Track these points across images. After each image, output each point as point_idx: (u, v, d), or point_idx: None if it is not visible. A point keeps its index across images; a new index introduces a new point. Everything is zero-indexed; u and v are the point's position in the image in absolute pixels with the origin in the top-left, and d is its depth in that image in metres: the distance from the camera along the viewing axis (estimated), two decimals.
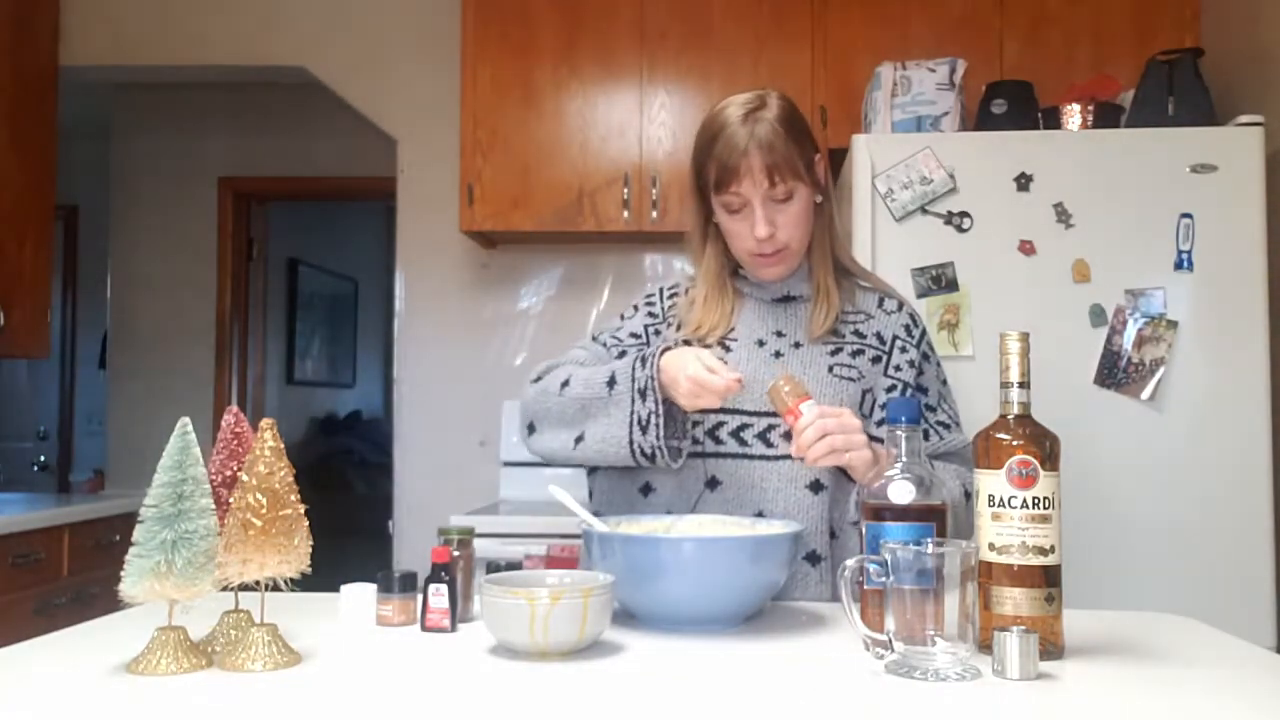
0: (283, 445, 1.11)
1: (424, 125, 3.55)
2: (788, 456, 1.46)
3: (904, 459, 1.22)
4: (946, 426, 1.59)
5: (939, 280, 2.53)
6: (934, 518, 1.20)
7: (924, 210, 2.54)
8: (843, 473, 1.49)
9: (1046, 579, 1.13)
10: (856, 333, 1.59)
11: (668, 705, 1.00)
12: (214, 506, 1.11)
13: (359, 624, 1.31)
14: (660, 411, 1.44)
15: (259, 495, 1.08)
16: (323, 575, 1.28)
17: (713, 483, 1.52)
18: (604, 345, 1.64)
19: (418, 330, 3.58)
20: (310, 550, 1.11)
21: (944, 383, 1.64)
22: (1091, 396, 2.47)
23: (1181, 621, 1.38)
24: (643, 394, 1.45)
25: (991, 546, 1.15)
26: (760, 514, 1.49)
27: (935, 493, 1.21)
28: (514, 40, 3.20)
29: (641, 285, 3.51)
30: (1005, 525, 1.14)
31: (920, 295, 2.52)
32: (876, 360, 1.57)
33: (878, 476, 1.24)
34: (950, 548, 1.08)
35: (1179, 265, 2.48)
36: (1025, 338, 1.18)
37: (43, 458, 5.79)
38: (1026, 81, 2.75)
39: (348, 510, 4.98)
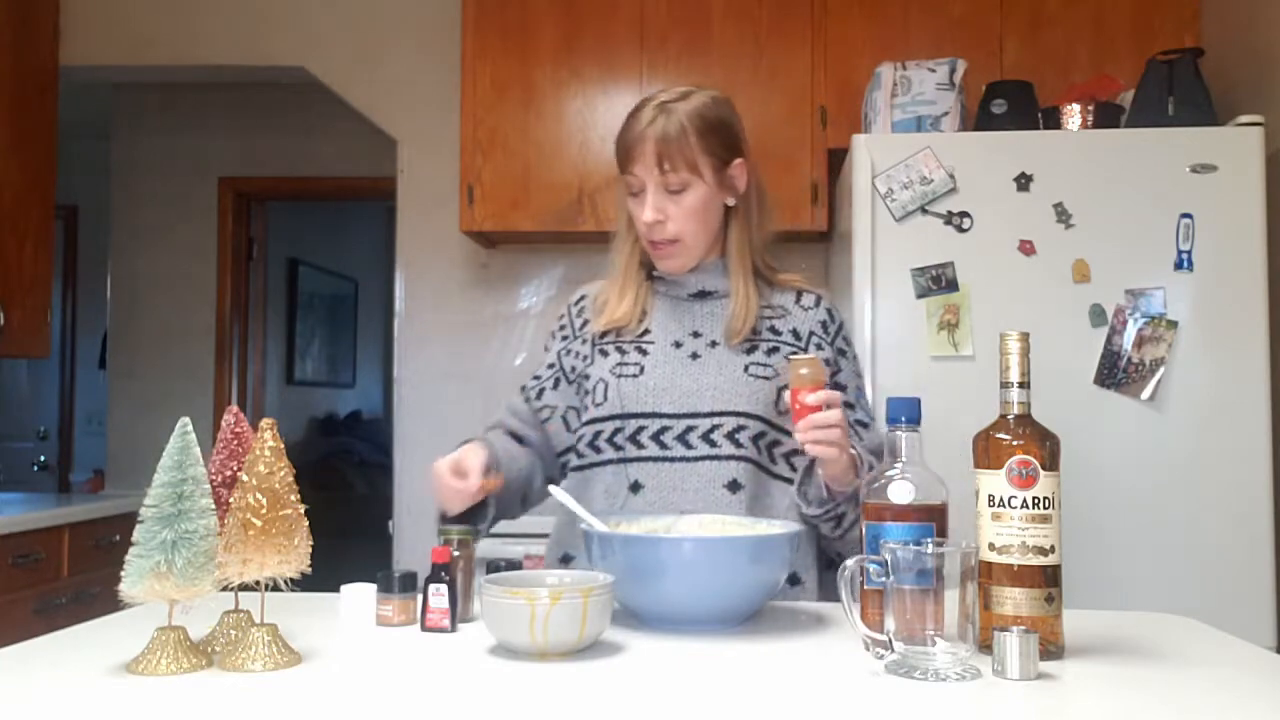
0: (283, 445, 1.11)
1: (424, 125, 3.55)
2: (707, 457, 1.51)
3: (904, 459, 1.22)
4: (865, 425, 1.61)
5: (939, 280, 2.53)
6: (934, 518, 1.20)
7: (924, 210, 2.54)
8: (763, 471, 1.54)
9: (1046, 579, 1.13)
10: (773, 329, 1.61)
11: (668, 705, 1.00)
12: (214, 506, 1.11)
13: (359, 624, 1.31)
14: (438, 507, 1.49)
15: (259, 495, 1.08)
16: (323, 575, 1.28)
17: (635, 486, 1.54)
18: (523, 389, 1.70)
19: (418, 330, 3.58)
20: (310, 550, 1.11)
21: (859, 376, 1.67)
22: (1091, 396, 2.48)
23: (1181, 621, 1.38)
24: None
25: (991, 546, 1.15)
26: (682, 514, 1.50)
27: (935, 492, 1.21)
28: (514, 40, 3.20)
29: None
30: (1005, 525, 1.14)
31: (920, 295, 2.52)
32: (823, 367, 1.56)
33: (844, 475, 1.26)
34: (950, 548, 1.08)
35: (1179, 265, 2.49)
36: (1025, 338, 1.18)
37: (43, 458, 5.79)
38: (1026, 81, 2.75)
39: (348, 510, 4.98)
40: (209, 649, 1.13)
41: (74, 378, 5.83)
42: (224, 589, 1.11)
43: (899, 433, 1.23)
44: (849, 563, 1.13)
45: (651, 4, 3.18)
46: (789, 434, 1.48)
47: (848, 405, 1.56)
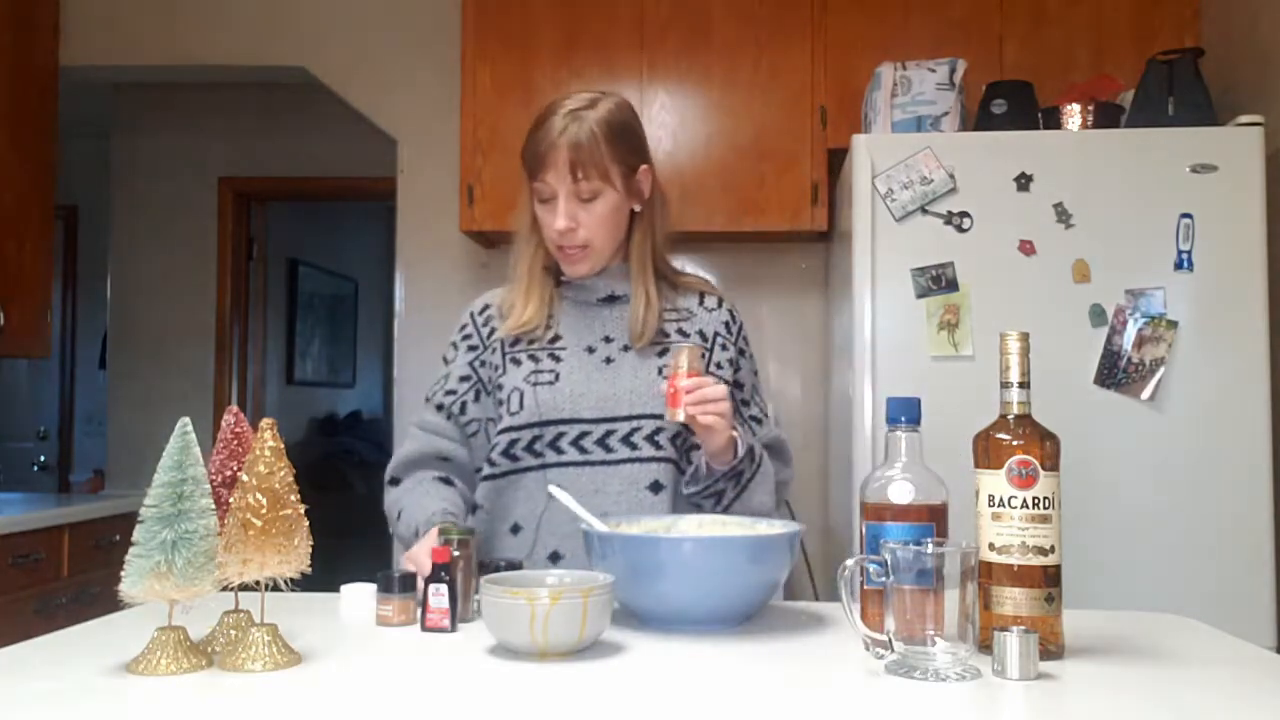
0: (283, 445, 1.11)
1: (424, 125, 3.55)
2: (628, 460, 1.54)
3: (904, 459, 1.22)
4: (759, 421, 1.68)
5: (939, 280, 2.53)
6: (934, 518, 1.20)
7: (924, 210, 2.54)
8: (680, 472, 1.57)
9: (1046, 579, 1.13)
10: (680, 331, 1.65)
11: (668, 705, 1.00)
12: (214, 506, 1.11)
13: (359, 624, 1.31)
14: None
15: (259, 495, 1.08)
16: (323, 575, 1.29)
17: None
18: (439, 408, 1.67)
19: (418, 330, 3.58)
20: (310, 550, 1.11)
21: (755, 374, 1.72)
22: (1091, 396, 2.47)
23: (1181, 621, 1.38)
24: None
25: (991, 546, 1.15)
26: (603, 515, 1.50)
27: (935, 492, 1.21)
28: (514, 40, 3.20)
29: None
30: (1005, 525, 1.14)
31: (920, 295, 2.52)
32: (700, 357, 1.60)
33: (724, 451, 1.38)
34: (950, 548, 1.08)
35: (1179, 265, 2.48)
36: (1025, 338, 1.18)
37: (43, 458, 5.79)
38: (1026, 81, 2.75)
39: (348, 510, 4.98)
40: (209, 649, 1.13)
41: (74, 378, 5.83)
42: (224, 589, 1.11)
43: (899, 433, 1.23)
44: (849, 563, 1.13)
45: (651, 4, 3.18)
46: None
47: (743, 403, 1.66)
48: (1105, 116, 2.64)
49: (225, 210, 4.46)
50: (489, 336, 1.67)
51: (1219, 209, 2.48)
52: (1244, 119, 2.51)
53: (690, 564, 1.26)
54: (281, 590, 1.11)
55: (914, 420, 1.23)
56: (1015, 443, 1.15)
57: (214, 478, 1.19)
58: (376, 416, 6.85)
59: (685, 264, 3.43)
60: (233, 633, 1.16)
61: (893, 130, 2.70)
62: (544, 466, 1.57)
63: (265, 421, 1.10)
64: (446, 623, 1.27)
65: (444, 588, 1.27)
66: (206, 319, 4.42)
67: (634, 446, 1.55)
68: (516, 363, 1.62)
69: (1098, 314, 2.49)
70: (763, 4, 3.15)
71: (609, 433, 1.56)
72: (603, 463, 1.55)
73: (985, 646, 1.09)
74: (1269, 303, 2.47)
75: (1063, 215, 2.51)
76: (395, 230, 3.62)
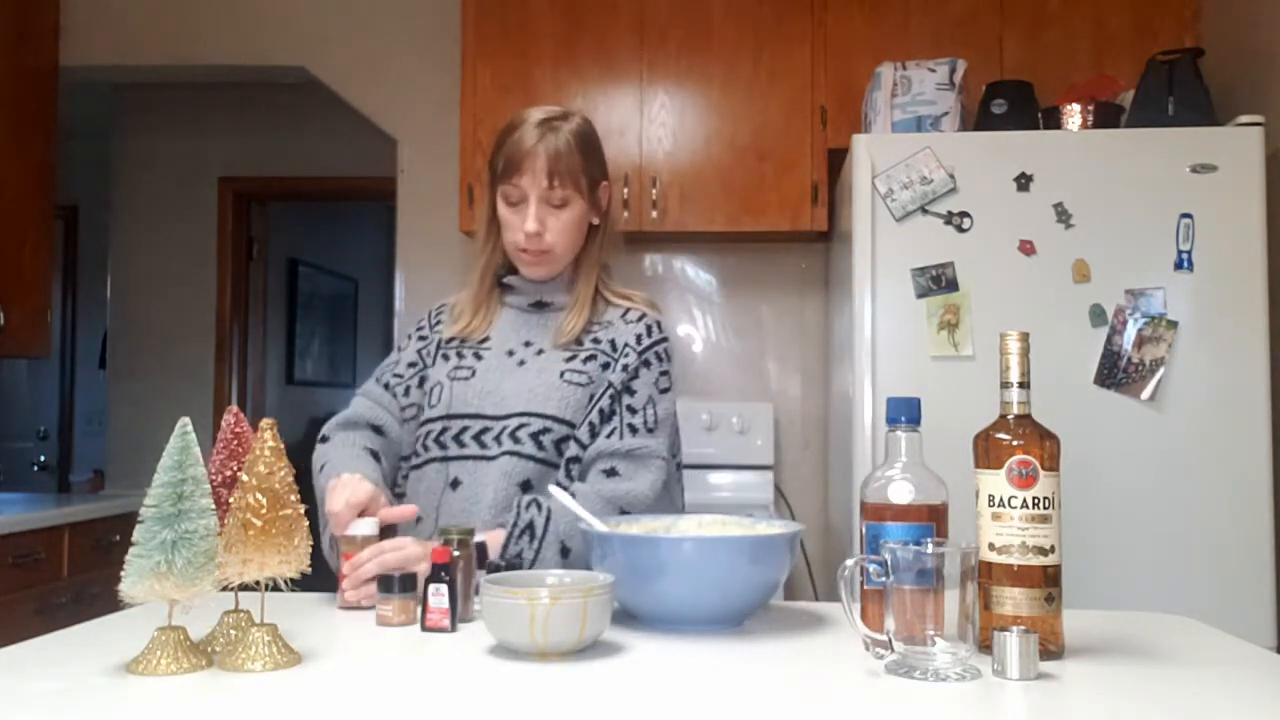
0: (283, 445, 1.11)
1: (424, 125, 3.55)
2: (508, 454, 1.57)
3: (904, 459, 1.22)
4: (634, 430, 1.60)
5: (939, 280, 2.53)
6: (934, 518, 1.20)
7: (924, 210, 2.54)
8: (550, 469, 1.59)
9: (1046, 579, 1.13)
10: (595, 340, 1.68)
11: (668, 705, 1.00)
12: (214, 506, 1.11)
13: (359, 624, 1.31)
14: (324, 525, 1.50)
15: (259, 495, 1.08)
16: (323, 575, 1.29)
17: (455, 483, 1.60)
18: (386, 387, 1.74)
19: None
20: (310, 550, 1.11)
21: (663, 393, 1.65)
22: (1091, 396, 2.47)
23: (1181, 621, 1.38)
24: (323, 500, 1.52)
25: (991, 546, 1.15)
26: (489, 508, 1.56)
27: (935, 492, 1.21)
28: (514, 40, 3.20)
29: (642, 285, 3.45)
30: (1005, 525, 1.14)
31: (920, 295, 2.52)
32: (605, 366, 1.65)
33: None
34: (950, 548, 1.08)
35: (1179, 265, 2.49)
36: (1025, 338, 1.18)
37: (43, 458, 5.79)
38: (1026, 81, 2.75)
39: None
40: (209, 649, 1.13)
41: (74, 378, 5.83)
42: (224, 589, 1.11)
43: (899, 433, 1.23)
44: (849, 563, 1.13)
45: (651, 4, 3.18)
46: (581, 443, 1.60)
47: (630, 409, 1.61)
48: (1105, 116, 2.64)
49: (225, 210, 4.46)
50: (435, 327, 1.77)
51: (1219, 209, 2.48)
52: (1244, 119, 2.51)
53: (690, 564, 1.26)
54: (281, 590, 1.11)
55: (914, 420, 1.23)
56: (1015, 443, 1.15)
57: (214, 478, 1.19)
58: None
59: (685, 264, 3.47)
60: (233, 633, 1.16)
61: (893, 130, 2.70)
62: (446, 459, 1.62)
63: (265, 421, 1.10)
64: (446, 623, 1.27)
65: (444, 588, 1.27)
66: (206, 319, 4.42)
67: (518, 441, 1.59)
68: (445, 358, 1.71)
69: (1098, 314, 2.49)
70: (763, 4, 3.15)
71: (503, 429, 1.60)
72: (490, 457, 1.59)
73: (985, 646, 1.09)
74: (1269, 303, 2.47)
75: (1063, 215, 2.51)
76: (395, 230, 3.62)
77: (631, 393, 1.63)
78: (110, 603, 1.20)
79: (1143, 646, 1.22)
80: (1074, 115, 2.65)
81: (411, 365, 1.74)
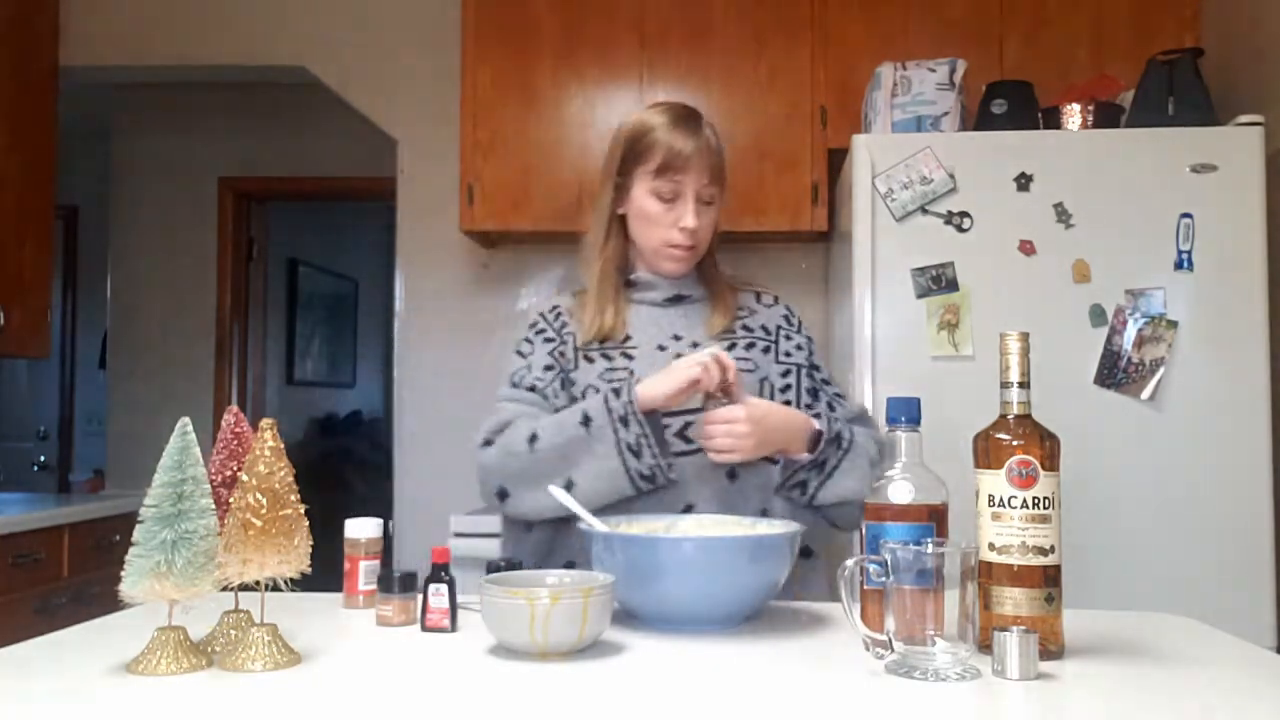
0: (283, 445, 1.11)
1: (424, 125, 3.55)
2: (702, 449, 1.55)
3: (904, 459, 1.22)
4: (842, 397, 1.72)
5: (939, 280, 2.53)
6: (934, 518, 1.20)
7: (924, 210, 2.54)
8: (768, 459, 1.58)
9: (1046, 579, 1.13)
10: (745, 327, 1.70)
11: (668, 705, 1.00)
12: (214, 506, 1.11)
13: (359, 624, 1.31)
14: (648, 432, 1.50)
15: (259, 495, 1.08)
16: (323, 575, 1.29)
17: None
18: (531, 389, 1.64)
19: (418, 330, 3.58)
20: (310, 550, 1.11)
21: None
22: (1091, 396, 2.47)
23: (1181, 621, 1.38)
24: (624, 421, 1.50)
25: (991, 546, 1.15)
26: (689, 506, 1.54)
27: (935, 492, 1.21)
28: (514, 40, 3.20)
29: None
30: (1005, 525, 1.14)
31: (920, 295, 2.52)
32: (766, 350, 1.69)
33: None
34: (950, 548, 1.08)
35: (1179, 265, 2.48)
36: (1025, 338, 1.18)
37: (43, 458, 5.78)
38: (1026, 81, 2.75)
39: (348, 510, 4.96)
40: (209, 649, 1.13)
41: (74, 378, 5.83)
42: (224, 589, 1.11)
43: (899, 433, 1.23)
44: (849, 563, 1.13)
45: (651, 4, 3.18)
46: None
47: (825, 382, 1.71)
48: (1105, 116, 2.64)
49: (225, 210, 4.45)
50: (562, 330, 1.70)
51: (1219, 209, 2.48)
52: (1244, 119, 2.51)
53: (690, 564, 1.26)
54: (281, 590, 1.11)
55: (914, 420, 1.23)
56: (1015, 443, 1.15)
57: (214, 478, 1.19)
58: (376, 416, 6.84)
59: None
60: (233, 633, 1.16)
61: (893, 130, 2.69)
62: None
63: (265, 421, 1.10)
64: (446, 623, 1.27)
65: (444, 588, 1.27)
66: (206, 319, 4.41)
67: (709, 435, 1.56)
68: (590, 360, 1.65)
69: (1098, 314, 2.49)
70: (763, 4, 3.15)
71: (687, 424, 1.57)
72: (683, 453, 1.56)
73: (985, 646, 1.09)
74: (1269, 303, 2.47)
75: (1063, 215, 2.51)
76: (395, 230, 3.62)
77: (817, 368, 1.72)
78: (110, 603, 1.20)
79: (1143, 646, 1.22)
80: (1074, 115, 2.65)
81: (548, 369, 1.66)
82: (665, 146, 1.62)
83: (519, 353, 1.70)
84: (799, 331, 1.74)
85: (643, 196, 1.65)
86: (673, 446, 1.56)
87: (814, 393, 1.68)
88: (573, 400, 1.62)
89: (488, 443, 1.58)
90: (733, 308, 1.71)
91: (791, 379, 1.68)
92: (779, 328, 1.73)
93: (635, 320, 1.68)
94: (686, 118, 1.65)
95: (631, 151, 1.65)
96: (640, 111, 1.71)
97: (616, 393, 1.52)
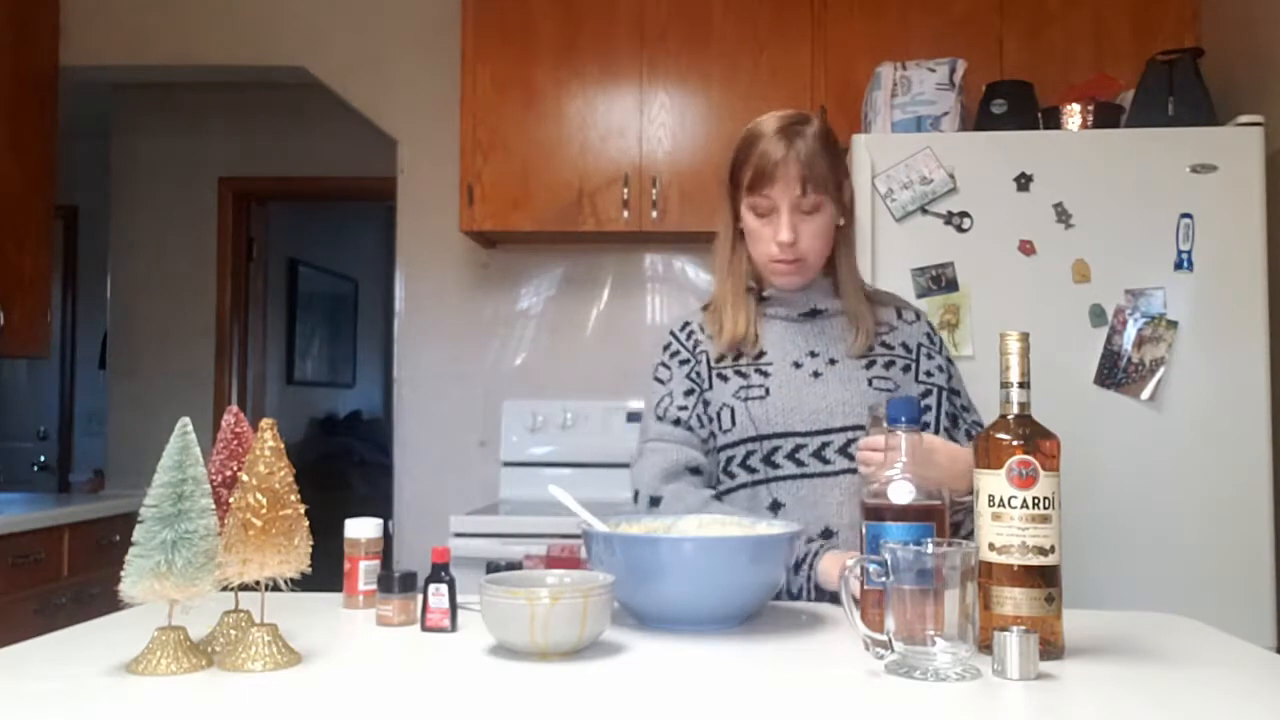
0: (283, 445, 1.11)
1: (424, 125, 3.55)
2: (845, 471, 1.53)
3: (904, 459, 1.22)
4: (980, 425, 1.65)
5: (939, 280, 2.52)
6: (934, 518, 1.20)
7: (924, 210, 2.54)
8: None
9: (1046, 579, 1.13)
10: (884, 344, 1.65)
11: (668, 705, 1.00)
12: (214, 506, 1.11)
13: (359, 624, 1.31)
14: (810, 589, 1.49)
15: (259, 495, 1.08)
16: (323, 575, 1.28)
17: (775, 506, 1.56)
18: (676, 423, 1.63)
19: (418, 330, 3.58)
20: (310, 550, 1.11)
21: (960, 379, 1.72)
22: (1091, 396, 2.47)
23: (1181, 621, 1.38)
24: (796, 569, 1.50)
25: (991, 546, 1.15)
26: (827, 530, 1.53)
27: (934, 493, 1.21)
28: (514, 40, 3.20)
29: (641, 285, 3.51)
30: (1005, 525, 1.14)
31: (920, 295, 2.52)
32: (906, 369, 1.63)
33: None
34: (950, 548, 1.08)
35: (1179, 265, 2.48)
36: (1025, 338, 1.18)
37: (43, 458, 5.78)
38: (1026, 81, 2.75)
39: (348, 510, 4.95)
40: (209, 649, 1.13)
41: (74, 378, 5.82)
42: (224, 589, 1.11)
43: (899, 432, 1.23)
44: (849, 563, 1.13)
45: (651, 4, 3.18)
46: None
47: (965, 409, 1.66)
48: (1105, 116, 2.64)
49: (225, 210, 4.45)
50: (695, 349, 1.67)
51: (1219, 209, 2.48)
52: (1244, 119, 2.51)
53: (690, 564, 1.26)
54: (281, 590, 1.11)
55: (914, 420, 1.23)
56: (1015, 443, 1.15)
57: (214, 478, 1.19)
58: (376, 416, 6.84)
59: (685, 264, 3.47)
60: (233, 633, 1.16)
61: (893, 130, 2.69)
62: (759, 482, 1.57)
63: (265, 421, 1.10)
64: (446, 623, 1.27)
65: (444, 588, 1.27)
66: (206, 319, 4.41)
67: (850, 458, 1.55)
68: (723, 378, 1.63)
69: (1098, 314, 2.49)
70: (763, 4, 3.15)
71: (825, 444, 1.56)
72: (820, 475, 1.55)
73: (985, 646, 1.09)
74: (1269, 303, 2.47)
75: (1063, 215, 2.51)
76: (395, 230, 3.62)
77: (956, 393, 1.66)
78: (110, 603, 1.20)
79: (1143, 646, 1.22)
80: (1074, 115, 2.65)
81: (689, 394, 1.64)
82: (755, 160, 1.57)
83: (658, 379, 1.68)
84: (939, 352, 1.68)
85: (745, 212, 1.62)
86: (833, 464, 1.55)
87: (954, 419, 1.64)
88: (706, 420, 1.61)
89: (654, 500, 1.59)
90: (872, 325, 1.64)
91: (931, 400, 1.63)
92: (920, 345, 1.67)
93: (769, 335, 1.65)
94: (782, 127, 1.58)
95: (735, 165, 1.62)
96: (758, 119, 1.64)
97: (801, 563, 1.49)
